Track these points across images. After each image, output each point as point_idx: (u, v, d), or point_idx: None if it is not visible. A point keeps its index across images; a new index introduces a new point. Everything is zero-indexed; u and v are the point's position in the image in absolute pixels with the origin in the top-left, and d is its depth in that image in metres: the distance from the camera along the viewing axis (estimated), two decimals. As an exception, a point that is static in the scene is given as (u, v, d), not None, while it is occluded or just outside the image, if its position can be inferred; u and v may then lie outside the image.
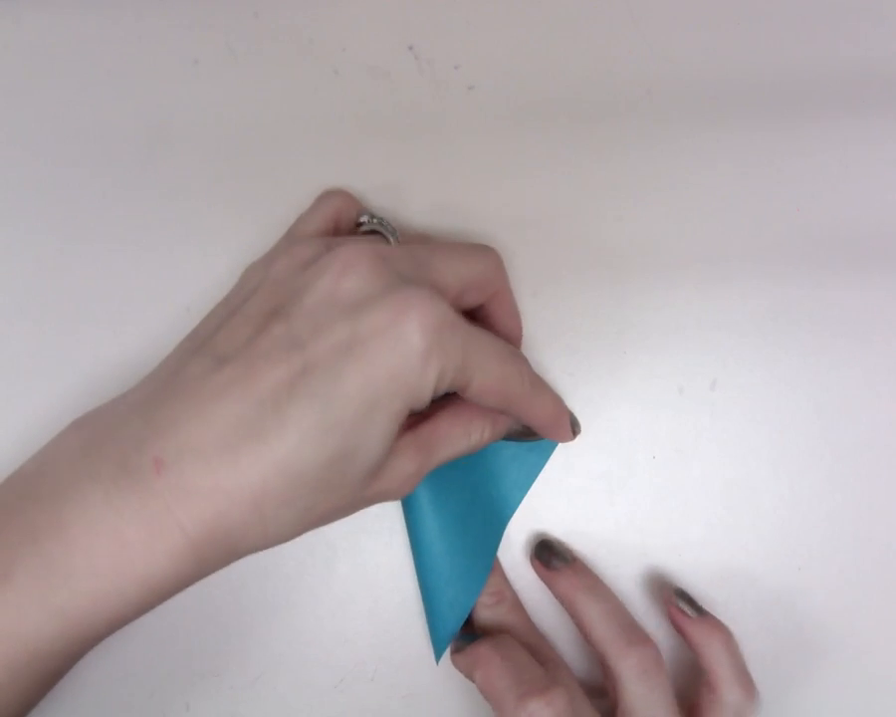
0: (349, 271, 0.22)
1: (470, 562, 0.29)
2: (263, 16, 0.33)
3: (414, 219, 0.31)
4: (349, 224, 0.28)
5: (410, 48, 0.32)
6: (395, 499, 0.25)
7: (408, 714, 0.29)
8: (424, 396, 0.22)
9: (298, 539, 0.29)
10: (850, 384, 0.31)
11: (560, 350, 0.31)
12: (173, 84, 0.32)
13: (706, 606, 0.28)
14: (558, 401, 0.28)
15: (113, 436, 0.22)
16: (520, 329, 0.30)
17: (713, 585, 0.30)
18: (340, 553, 0.30)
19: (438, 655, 0.29)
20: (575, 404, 0.30)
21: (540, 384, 0.27)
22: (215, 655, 0.29)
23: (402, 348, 0.21)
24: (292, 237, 0.27)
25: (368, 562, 0.30)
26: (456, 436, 0.26)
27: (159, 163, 0.32)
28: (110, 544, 0.21)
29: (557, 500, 0.30)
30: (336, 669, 0.29)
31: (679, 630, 0.28)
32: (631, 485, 0.30)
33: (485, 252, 0.27)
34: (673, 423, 0.30)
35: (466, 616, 0.28)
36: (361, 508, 0.24)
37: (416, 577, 0.29)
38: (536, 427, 0.27)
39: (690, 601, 0.28)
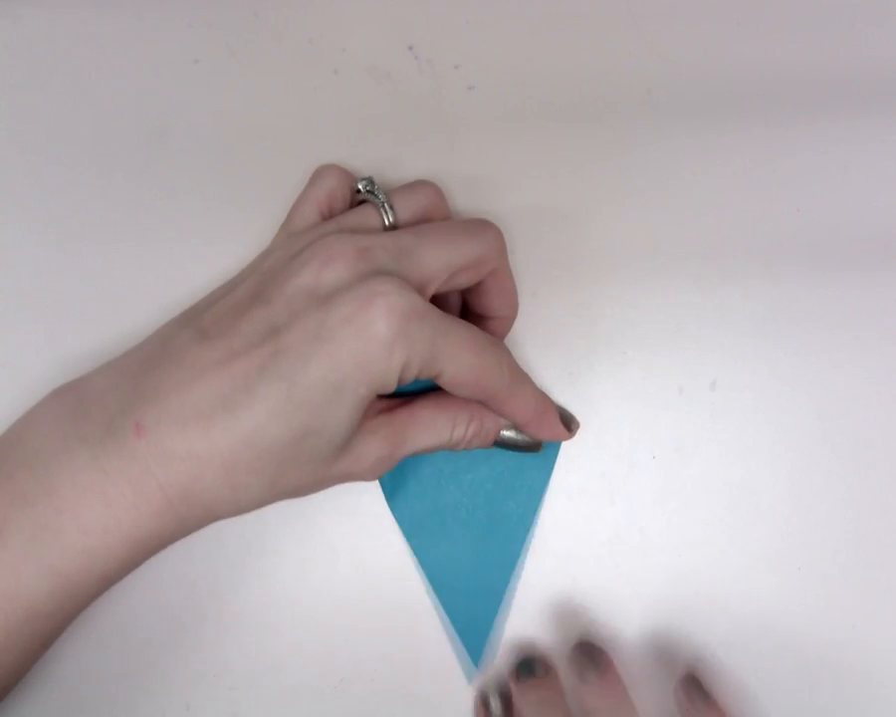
0: (329, 264, 0.23)
1: (489, 573, 0.29)
2: (263, 16, 0.33)
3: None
4: (345, 200, 0.28)
5: (410, 48, 0.32)
6: (367, 480, 0.26)
7: (408, 714, 0.29)
8: (389, 384, 0.23)
9: (298, 539, 0.30)
10: (850, 384, 0.31)
11: (560, 349, 0.31)
12: (173, 84, 0.32)
13: (704, 608, 0.28)
14: (541, 396, 0.27)
15: (101, 401, 0.23)
16: (514, 307, 0.29)
17: (713, 585, 0.30)
18: (341, 553, 0.30)
19: (468, 673, 0.29)
20: (575, 404, 0.30)
21: (521, 378, 0.26)
22: (215, 655, 0.29)
23: (367, 335, 0.22)
24: (288, 230, 0.28)
25: (368, 562, 0.30)
26: (438, 427, 0.26)
27: (159, 163, 0.32)
28: (97, 502, 0.22)
29: (557, 500, 0.30)
30: (336, 669, 0.29)
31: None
32: (631, 485, 0.30)
33: (481, 232, 0.26)
34: (673, 423, 0.30)
35: (492, 626, 0.29)
36: (332, 485, 0.25)
37: (433, 598, 0.30)
38: (519, 423, 0.27)
39: (699, 688, 0.28)
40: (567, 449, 0.30)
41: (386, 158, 0.32)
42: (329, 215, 0.28)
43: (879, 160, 0.32)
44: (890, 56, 0.32)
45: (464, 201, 0.32)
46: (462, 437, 0.27)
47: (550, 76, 0.32)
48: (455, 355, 0.24)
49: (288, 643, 0.29)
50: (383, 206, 0.26)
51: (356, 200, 0.28)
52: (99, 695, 0.28)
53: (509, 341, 0.30)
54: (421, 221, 0.27)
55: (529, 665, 0.29)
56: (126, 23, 0.32)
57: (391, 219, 0.26)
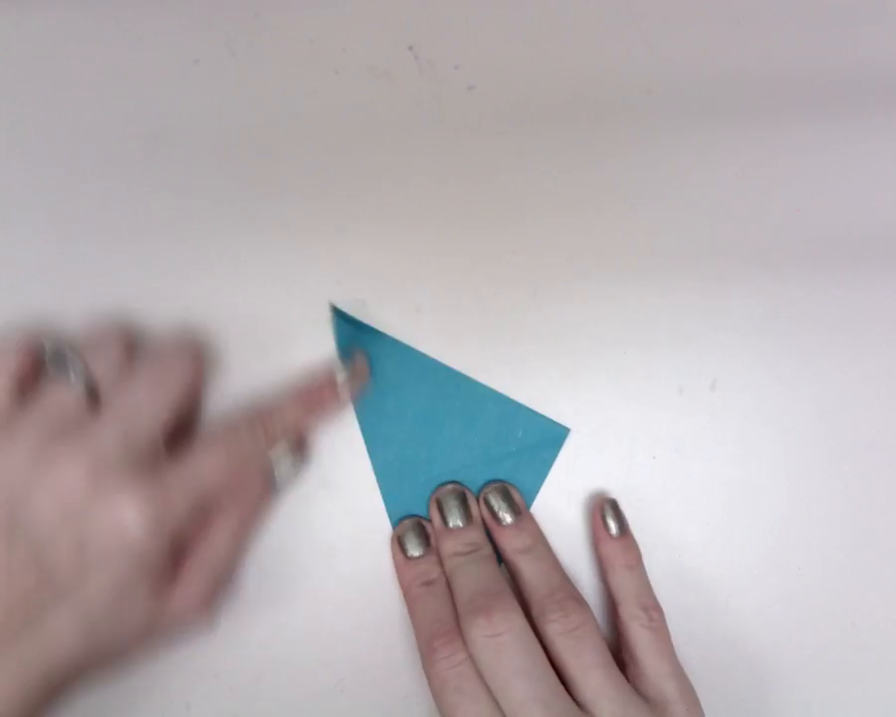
0: (70, 493, 0.24)
1: None
2: (263, 16, 0.33)
3: (415, 217, 0.31)
4: (37, 369, 0.27)
5: (410, 48, 0.32)
6: (202, 618, 0.27)
7: (408, 714, 0.29)
8: (160, 563, 0.25)
9: (298, 539, 0.30)
10: (850, 384, 0.31)
11: (561, 349, 0.31)
12: (173, 84, 0.32)
13: (704, 608, 0.28)
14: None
15: None
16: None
17: (713, 585, 0.30)
18: (341, 553, 0.30)
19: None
20: (575, 404, 0.30)
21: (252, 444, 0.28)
22: (215, 655, 0.29)
23: (125, 542, 0.24)
24: None
25: (368, 562, 0.30)
26: (229, 541, 0.28)
27: (159, 163, 0.32)
28: None
29: (557, 500, 0.30)
30: (337, 669, 0.29)
31: (595, 541, 0.29)
32: (631, 485, 0.30)
33: (180, 360, 0.27)
34: (673, 423, 0.30)
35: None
36: (169, 636, 0.27)
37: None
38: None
39: (618, 518, 0.29)
40: (568, 449, 0.30)
41: (386, 158, 0.32)
42: (21, 389, 0.26)
43: (879, 160, 0.32)
44: (890, 56, 0.32)
45: (463, 201, 0.32)
46: (245, 529, 0.28)
47: (550, 76, 0.32)
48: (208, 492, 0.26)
49: (288, 643, 0.29)
50: (80, 381, 0.26)
51: (47, 367, 0.27)
52: (99, 695, 0.28)
53: (508, 340, 0.30)
54: (121, 372, 0.27)
55: (454, 508, 0.29)
56: (127, 24, 0.32)
57: (88, 388, 0.26)
